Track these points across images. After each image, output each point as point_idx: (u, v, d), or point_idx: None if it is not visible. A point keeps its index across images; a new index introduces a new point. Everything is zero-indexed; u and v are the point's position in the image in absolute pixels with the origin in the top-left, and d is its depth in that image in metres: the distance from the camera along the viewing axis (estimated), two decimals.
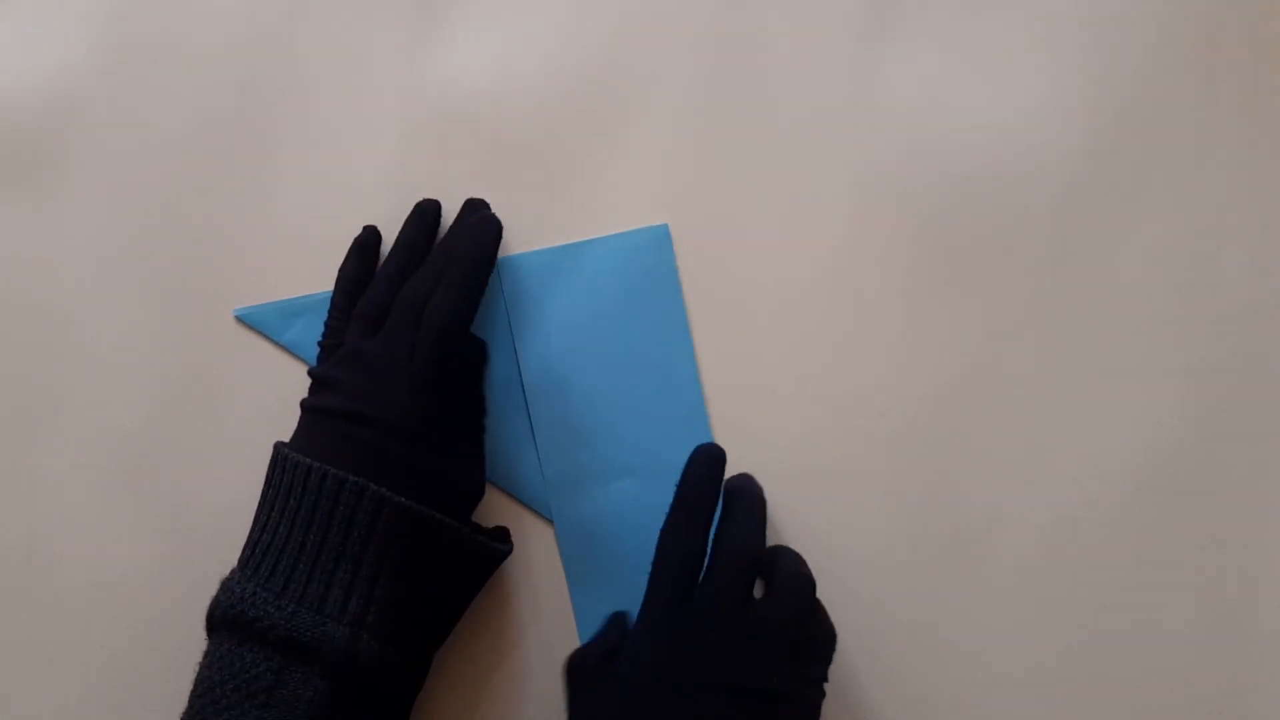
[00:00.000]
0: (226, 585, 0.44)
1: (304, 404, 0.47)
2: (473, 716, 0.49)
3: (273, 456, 0.46)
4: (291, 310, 0.52)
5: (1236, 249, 0.53)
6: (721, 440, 0.50)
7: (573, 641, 0.50)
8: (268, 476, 0.46)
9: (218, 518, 0.50)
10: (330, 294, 0.51)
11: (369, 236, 0.52)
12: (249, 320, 0.52)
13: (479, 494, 0.47)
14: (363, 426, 0.44)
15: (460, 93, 0.53)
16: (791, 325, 0.51)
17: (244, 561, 0.44)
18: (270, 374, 0.52)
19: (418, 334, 0.46)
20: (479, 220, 0.48)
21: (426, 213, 0.51)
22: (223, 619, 0.42)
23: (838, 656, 0.45)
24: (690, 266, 0.52)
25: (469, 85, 0.53)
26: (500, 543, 0.47)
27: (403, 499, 0.43)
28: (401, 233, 0.51)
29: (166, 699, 0.49)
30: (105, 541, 0.50)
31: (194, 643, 0.49)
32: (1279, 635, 0.50)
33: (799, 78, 0.53)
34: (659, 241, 0.51)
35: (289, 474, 0.44)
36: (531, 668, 0.50)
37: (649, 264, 0.51)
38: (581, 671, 0.44)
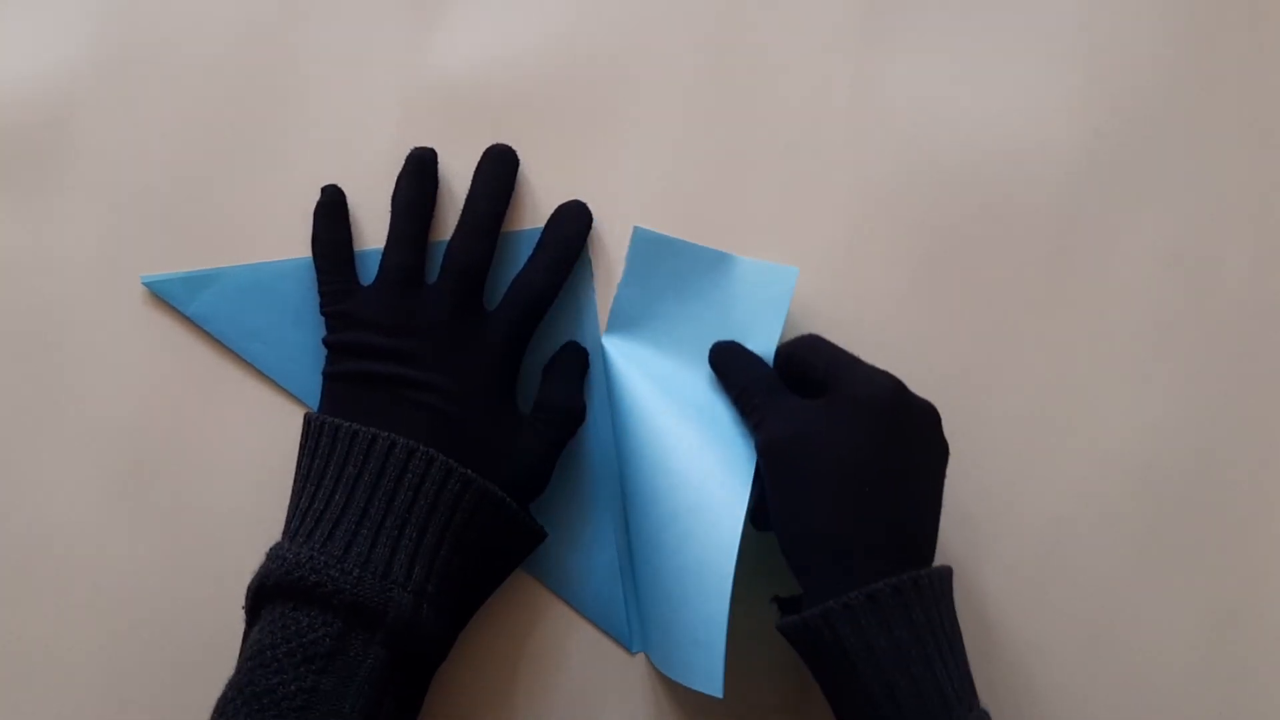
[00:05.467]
0: (276, 554, 0.42)
1: (342, 371, 0.47)
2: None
3: (314, 425, 0.45)
4: (199, 282, 0.51)
5: (1236, 249, 0.53)
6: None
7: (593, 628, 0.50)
8: (308, 446, 0.45)
9: (218, 518, 0.50)
10: (240, 268, 0.51)
11: (334, 196, 0.51)
12: (155, 289, 0.51)
13: (543, 485, 0.47)
14: (432, 394, 0.45)
15: (461, 80, 0.53)
16: (790, 324, 0.51)
17: (293, 531, 0.43)
18: None
19: (502, 308, 0.47)
20: (571, 210, 0.50)
21: (426, 163, 0.50)
22: (276, 586, 0.41)
23: None
24: None
25: (469, 73, 0.53)
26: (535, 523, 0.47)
27: (468, 470, 0.44)
28: (404, 190, 0.50)
29: (166, 699, 0.49)
30: (105, 541, 0.50)
31: (194, 642, 0.49)
32: (1279, 635, 0.50)
33: (800, 77, 0.53)
34: (782, 283, 0.48)
35: (343, 442, 0.44)
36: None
37: (762, 299, 0.49)
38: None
